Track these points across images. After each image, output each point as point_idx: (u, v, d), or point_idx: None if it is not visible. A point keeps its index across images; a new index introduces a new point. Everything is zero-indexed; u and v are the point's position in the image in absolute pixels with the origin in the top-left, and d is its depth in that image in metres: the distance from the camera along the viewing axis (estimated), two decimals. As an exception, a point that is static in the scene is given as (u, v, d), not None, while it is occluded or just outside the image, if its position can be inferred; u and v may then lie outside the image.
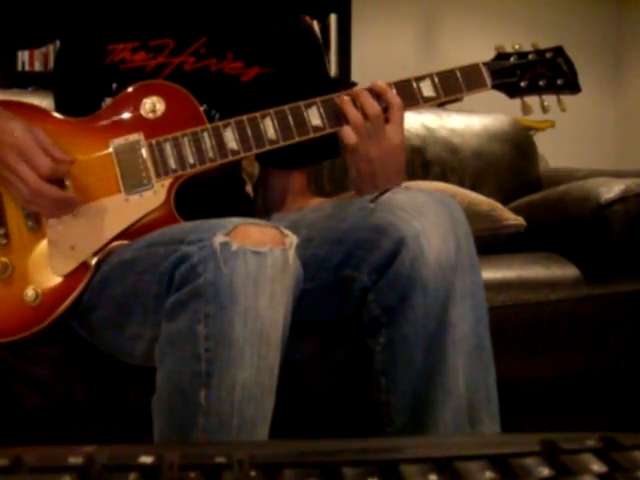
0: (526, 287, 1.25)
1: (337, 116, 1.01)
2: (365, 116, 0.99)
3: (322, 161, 1.29)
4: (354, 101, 1.00)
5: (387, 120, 0.99)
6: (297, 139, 1.01)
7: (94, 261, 0.95)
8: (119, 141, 1.00)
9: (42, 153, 0.93)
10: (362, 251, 0.90)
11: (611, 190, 1.30)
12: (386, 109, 0.99)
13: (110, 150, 1.00)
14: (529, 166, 1.83)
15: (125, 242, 0.96)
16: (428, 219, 0.88)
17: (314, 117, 1.01)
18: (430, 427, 0.86)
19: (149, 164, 0.99)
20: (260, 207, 1.28)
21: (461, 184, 1.67)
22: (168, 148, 0.99)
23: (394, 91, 1.01)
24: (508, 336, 1.18)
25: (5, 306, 0.96)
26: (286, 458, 0.33)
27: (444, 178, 1.74)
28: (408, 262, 0.86)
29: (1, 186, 0.98)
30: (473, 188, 1.65)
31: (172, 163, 0.99)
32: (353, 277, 0.92)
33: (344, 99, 1.00)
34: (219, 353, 0.75)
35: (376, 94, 1.00)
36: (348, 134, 0.99)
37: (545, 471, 0.33)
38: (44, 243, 0.98)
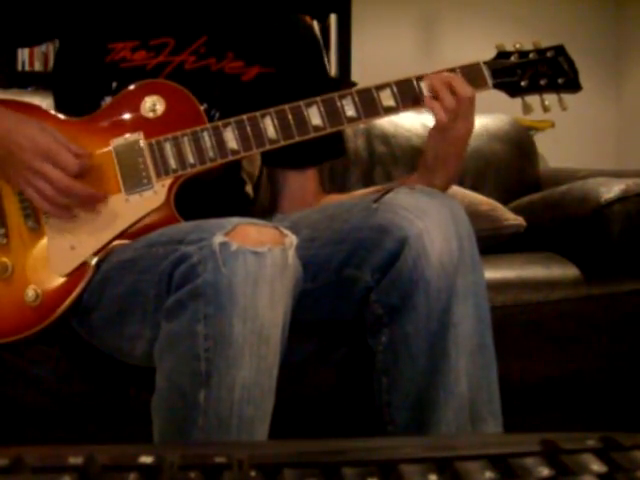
0: (526, 287, 1.25)
1: (413, 98, 1.02)
2: (458, 99, 1.00)
3: (329, 160, 1.29)
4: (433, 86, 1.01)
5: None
6: (297, 139, 1.01)
7: (94, 261, 0.95)
8: (119, 141, 1.00)
9: (66, 152, 0.94)
10: (364, 251, 0.91)
11: (611, 190, 1.30)
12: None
13: (110, 150, 1.00)
14: (529, 166, 1.83)
15: (125, 242, 0.96)
16: (431, 219, 0.88)
17: (314, 116, 1.01)
18: (432, 427, 0.86)
19: (149, 164, 0.99)
20: (264, 208, 1.28)
21: (461, 184, 1.67)
22: (168, 148, 0.99)
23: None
24: (508, 336, 1.18)
25: (5, 306, 0.96)
26: (286, 458, 0.33)
27: (444, 178, 1.73)
28: (411, 262, 0.87)
29: (20, 188, 0.97)
30: (473, 188, 1.65)
31: (172, 163, 0.99)
32: (355, 277, 0.92)
33: (434, 81, 1.01)
34: (218, 353, 0.75)
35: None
36: (440, 113, 1.00)
37: (545, 471, 0.33)
38: (44, 243, 0.98)
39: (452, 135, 1.01)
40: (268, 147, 1.00)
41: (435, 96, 1.01)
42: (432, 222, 0.88)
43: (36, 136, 0.94)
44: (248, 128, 0.99)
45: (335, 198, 1.20)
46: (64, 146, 0.95)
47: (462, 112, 1.00)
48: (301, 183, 1.19)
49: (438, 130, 1.02)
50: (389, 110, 1.02)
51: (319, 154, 1.19)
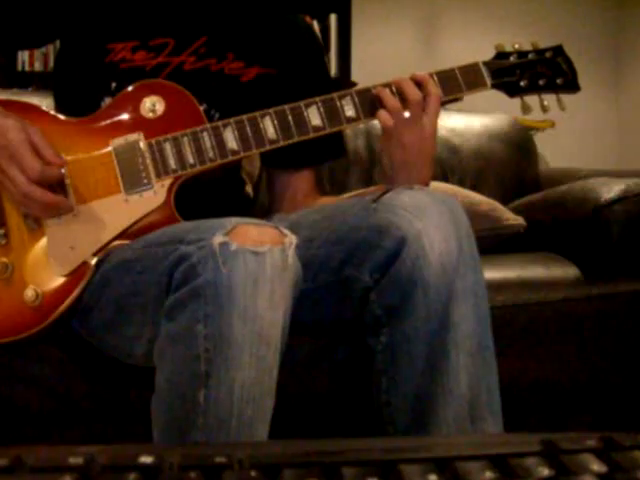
0: (526, 287, 1.25)
1: (371, 106, 1.01)
2: (405, 103, 1.00)
3: (327, 161, 1.29)
4: (392, 89, 1.01)
5: (423, 109, 1.00)
6: (297, 139, 1.01)
7: (94, 261, 0.95)
8: (119, 141, 1.00)
9: (32, 155, 0.93)
10: (363, 251, 0.90)
11: (611, 190, 1.30)
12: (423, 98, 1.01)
13: (110, 150, 1.00)
14: (529, 166, 1.83)
15: (125, 242, 0.96)
16: (430, 219, 0.88)
17: (314, 117, 1.01)
18: (432, 427, 0.86)
19: (149, 164, 0.99)
20: (264, 208, 1.28)
21: (461, 184, 1.67)
22: (168, 148, 0.99)
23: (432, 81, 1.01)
24: (508, 336, 1.18)
25: (5, 306, 0.96)
26: (286, 458, 0.33)
27: (444, 178, 1.74)
28: (410, 262, 0.87)
29: None
30: (473, 188, 1.65)
31: (172, 163, 0.99)
32: (354, 277, 0.92)
33: (380, 87, 1.01)
34: (218, 353, 0.75)
35: (417, 83, 1.01)
36: (385, 117, 1.00)
37: (545, 471, 0.33)
38: (44, 243, 0.98)
39: (402, 142, 1.00)
40: (268, 147, 1.00)
41: (377, 102, 1.01)
42: (431, 222, 0.88)
43: (10, 135, 0.93)
44: (248, 128, 0.99)
45: (328, 201, 1.20)
46: (33, 149, 0.93)
47: (410, 117, 0.99)
48: (296, 184, 1.19)
49: (384, 135, 1.02)
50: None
51: (319, 154, 1.19)
